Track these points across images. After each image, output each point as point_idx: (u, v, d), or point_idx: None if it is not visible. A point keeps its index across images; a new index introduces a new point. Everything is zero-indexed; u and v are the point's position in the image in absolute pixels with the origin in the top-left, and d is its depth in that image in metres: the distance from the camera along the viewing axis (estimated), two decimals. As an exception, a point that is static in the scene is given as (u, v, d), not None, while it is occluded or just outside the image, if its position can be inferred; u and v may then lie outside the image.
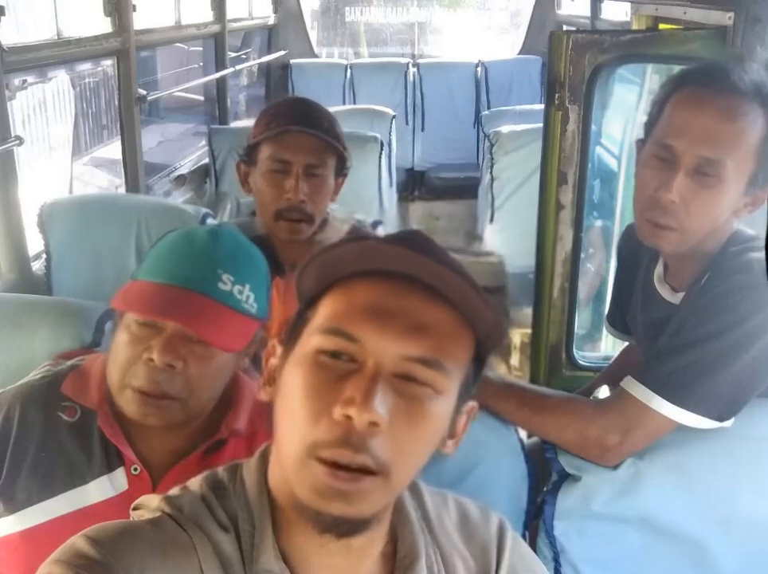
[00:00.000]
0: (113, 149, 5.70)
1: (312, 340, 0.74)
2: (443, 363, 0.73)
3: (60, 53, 2.37)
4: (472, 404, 0.82)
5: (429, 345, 0.73)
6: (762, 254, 1.15)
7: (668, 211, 1.16)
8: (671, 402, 1.12)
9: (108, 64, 5.41)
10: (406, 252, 0.73)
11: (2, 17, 1.90)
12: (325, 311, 0.75)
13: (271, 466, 0.79)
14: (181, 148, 5.32)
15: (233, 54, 4.57)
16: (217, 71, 3.92)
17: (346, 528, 0.72)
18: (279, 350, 0.80)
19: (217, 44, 3.90)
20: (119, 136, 2.85)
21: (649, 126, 1.25)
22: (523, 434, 1.25)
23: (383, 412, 0.69)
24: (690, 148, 1.14)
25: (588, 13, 3.92)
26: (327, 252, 0.76)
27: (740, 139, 1.14)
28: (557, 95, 1.64)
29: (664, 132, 1.19)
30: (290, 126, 1.61)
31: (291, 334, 0.78)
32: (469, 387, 0.78)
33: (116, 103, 2.83)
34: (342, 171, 1.71)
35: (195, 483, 0.81)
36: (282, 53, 5.11)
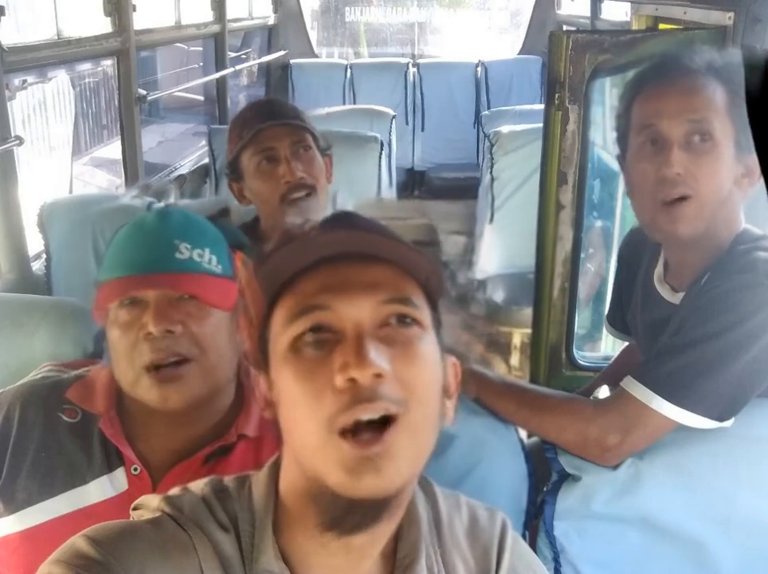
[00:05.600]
0: (113, 149, 5.70)
1: (283, 337, 0.75)
2: (411, 298, 0.76)
3: (60, 53, 2.38)
4: (453, 360, 0.83)
5: (391, 290, 0.75)
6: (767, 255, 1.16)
7: (677, 182, 1.18)
8: (671, 402, 1.12)
9: (108, 64, 5.42)
10: (333, 234, 0.76)
11: (2, 17, 1.90)
12: (282, 312, 0.76)
13: (283, 474, 0.79)
14: (181, 148, 5.32)
15: (233, 54, 4.57)
16: (217, 71, 3.92)
17: (374, 512, 0.72)
18: (262, 380, 0.80)
19: (217, 44, 3.91)
20: (119, 136, 2.85)
21: (622, 139, 1.29)
22: (523, 434, 1.25)
23: (382, 363, 0.70)
24: (673, 123, 1.18)
25: (588, 13, 3.92)
26: (261, 269, 0.78)
27: (711, 107, 1.18)
28: (557, 95, 1.64)
29: (642, 119, 1.23)
30: (259, 125, 1.66)
31: (263, 357, 0.79)
32: (439, 331, 0.80)
33: (116, 103, 2.83)
34: (323, 151, 1.75)
35: (197, 485, 0.81)
36: (282, 53, 5.11)
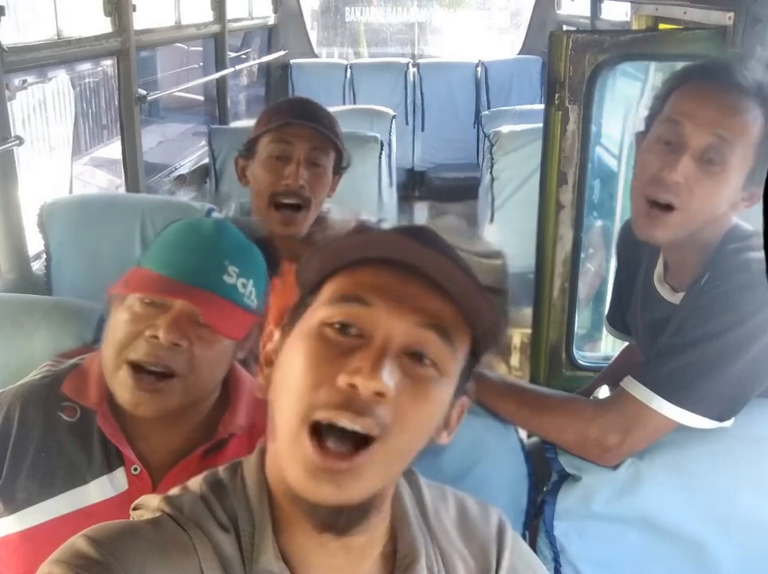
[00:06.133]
0: (113, 149, 5.69)
1: (318, 313, 0.74)
2: (451, 335, 0.74)
3: (60, 53, 2.37)
4: (464, 400, 0.82)
5: (438, 317, 0.73)
6: (761, 254, 1.15)
7: (670, 189, 1.16)
8: (671, 403, 1.12)
9: (108, 64, 5.41)
10: (411, 243, 0.74)
11: (2, 17, 1.90)
12: (331, 288, 0.76)
13: (268, 459, 0.79)
14: (181, 148, 5.32)
15: (233, 54, 4.57)
16: (217, 71, 3.92)
17: (344, 521, 0.71)
18: (276, 335, 0.80)
19: (217, 44, 3.91)
20: (119, 136, 2.85)
21: (650, 119, 1.25)
22: (523, 434, 1.25)
23: (390, 384, 0.69)
24: (698, 131, 1.15)
25: (588, 13, 3.92)
26: (334, 242, 0.77)
27: (743, 132, 1.15)
28: (557, 95, 1.65)
29: (673, 111, 1.19)
30: (291, 119, 1.66)
31: (292, 318, 0.78)
32: (465, 380, 0.79)
33: (116, 103, 2.83)
34: (339, 168, 1.75)
35: (195, 483, 0.81)
36: (282, 53, 5.11)
